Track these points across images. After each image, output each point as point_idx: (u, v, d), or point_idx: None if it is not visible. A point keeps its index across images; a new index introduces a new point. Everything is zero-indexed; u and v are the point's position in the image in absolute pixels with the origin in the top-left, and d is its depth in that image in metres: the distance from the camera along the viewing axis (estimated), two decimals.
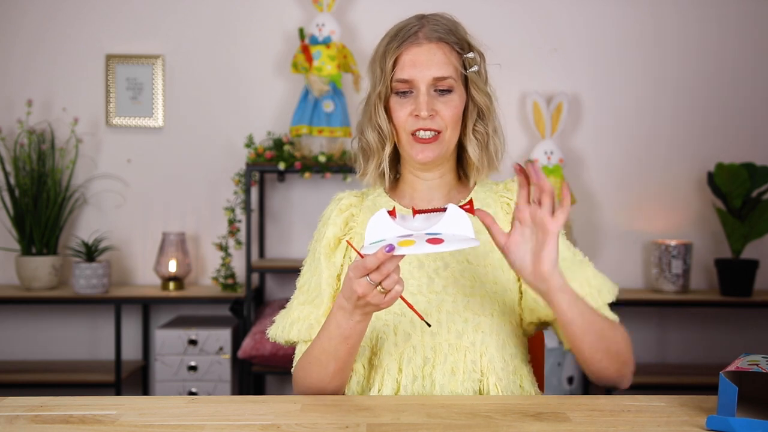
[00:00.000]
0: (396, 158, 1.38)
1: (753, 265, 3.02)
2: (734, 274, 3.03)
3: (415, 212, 1.10)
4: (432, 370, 1.24)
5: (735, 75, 3.26)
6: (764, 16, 3.25)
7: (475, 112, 1.33)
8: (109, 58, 3.19)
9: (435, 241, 1.02)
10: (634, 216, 3.27)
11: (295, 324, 1.32)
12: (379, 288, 1.08)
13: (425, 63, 1.27)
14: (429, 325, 1.14)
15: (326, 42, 2.99)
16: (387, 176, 1.35)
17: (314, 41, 2.99)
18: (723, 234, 3.17)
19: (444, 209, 1.08)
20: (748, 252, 3.18)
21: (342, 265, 1.34)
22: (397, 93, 1.30)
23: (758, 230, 3.01)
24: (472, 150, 1.33)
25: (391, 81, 1.29)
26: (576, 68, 3.26)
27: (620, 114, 3.26)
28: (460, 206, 1.08)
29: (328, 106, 2.98)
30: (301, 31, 3.02)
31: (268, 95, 3.22)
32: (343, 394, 1.28)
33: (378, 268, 1.06)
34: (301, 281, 1.37)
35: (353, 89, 3.13)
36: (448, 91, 1.29)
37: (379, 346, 1.27)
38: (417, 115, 1.27)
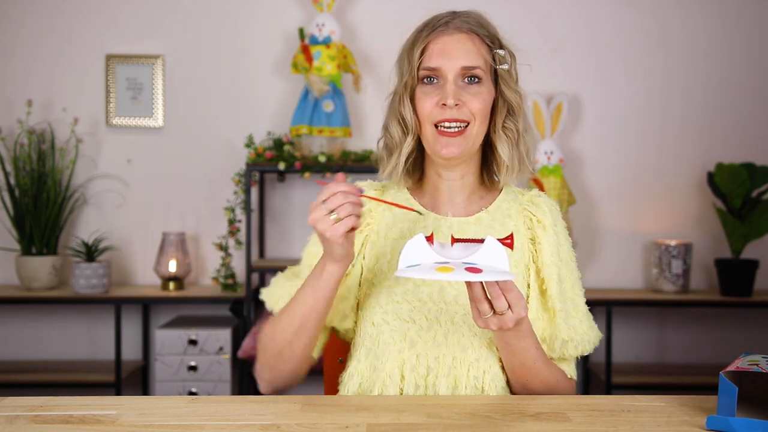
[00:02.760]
0: (421, 156, 1.34)
1: (753, 265, 3.02)
2: (734, 274, 3.02)
3: (454, 241, 1.09)
4: (435, 381, 1.23)
5: (735, 75, 3.26)
6: (765, 16, 3.25)
7: (505, 109, 1.30)
8: (109, 58, 3.19)
9: (473, 270, 1.02)
10: (634, 216, 3.27)
11: (281, 299, 1.30)
12: (332, 215, 1.10)
13: (454, 52, 1.24)
14: (420, 213, 1.20)
15: (326, 42, 2.99)
16: (401, 172, 1.30)
17: (314, 41, 2.99)
18: (723, 234, 3.17)
19: (482, 240, 1.07)
20: (748, 252, 3.18)
21: (357, 254, 1.31)
22: (423, 82, 1.26)
23: (758, 230, 3.01)
24: (502, 148, 1.29)
25: (418, 70, 1.26)
26: (576, 68, 3.26)
27: (620, 114, 3.26)
28: (500, 240, 1.07)
29: (328, 106, 2.98)
30: (301, 31, 3.02)
31: (268, 95, 3.22)
32: (300, 376, 1.28)
33: (334, 195, 1.10)
34: (306, 251, 1.35)
35: (353, 89, 3.13)
36: (477, 81, 1.25)
37: (383, 349, 1.25)
38: (443, 105, 1.23)
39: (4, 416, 1.05)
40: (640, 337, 3.24)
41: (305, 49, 2.98)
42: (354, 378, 1.27)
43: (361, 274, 1.32)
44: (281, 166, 2.91)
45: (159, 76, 3.20)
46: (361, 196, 1.13)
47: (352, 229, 1.12)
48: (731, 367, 1.03)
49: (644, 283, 3.27)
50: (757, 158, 3.14)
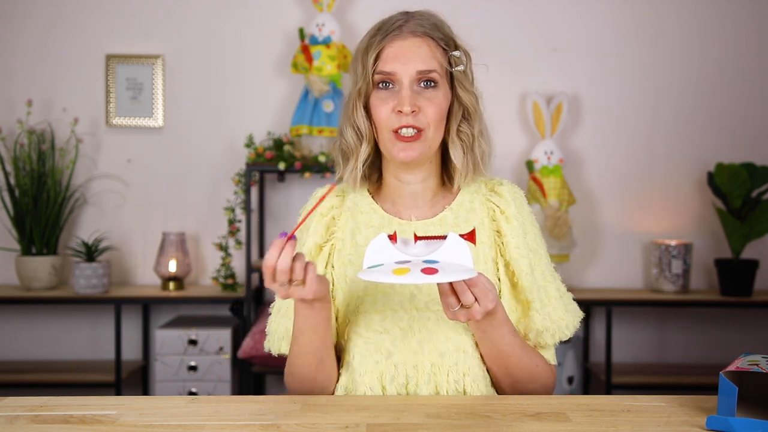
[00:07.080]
0: (378, 160, 1.32)
1: (753, 265, 3.02)
2: (734, 274, 3.02)
3: (417, 238, 1.08)
4: (416, 389, 1.22)
5: (735, 75, 3.26)
6: (764, 16, 3.25)
7: (460, 113, 1.28)
8: (109, 58, 3.19)
9: (430, 271, 1.01)
10: (634, 216, 3.27)
11: (284, 339, 1.30)
12: (295, 283, 1.09)
13: (409, 56, 1.23)
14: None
15: (326, 42, 2.99)
16: (359, 179, 1.29)
17: (314, 41, 3.00)
18: (723, 234, 3.17)
19: (445, 237, 1.07)
20: (748, 252, 3.18)
21: (324, 273, 1.30)
22: (378, 87, 1.24)
23: (758, 230, 3.01)
24: (455, 152, 1.27)
25: (372, 76, 1.24)
26: (576, 68, 3.26)
27: (620, 114, 3.26)
28: (461, 235, 1.06)
29: (328, 106, 2.99)
30: (301, 31, 3.02)
31: (268, 95, 3.22)
32: (334, 389, 1.27)
33: (279, 271, 1.06)
34: None
35: None
36: (433, 85, 1.24)
37: (359, 361, 1.24)
38: (399, 111, 1.22)
39: (4, 416, 1.05)
40: (640, 337, 3.24)
41: (305, 49, 2.99)
42: (339, 392, 1.27)
43: (333, 285, 1.31)
44: (281, 166, 2.91)
45: (159, 76, 3.20)
46: (288, 237, 1.08)
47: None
48: (731, 367, 1.03)
49: (644, 283, 3.27)
50: (757, 158, 3.14)
